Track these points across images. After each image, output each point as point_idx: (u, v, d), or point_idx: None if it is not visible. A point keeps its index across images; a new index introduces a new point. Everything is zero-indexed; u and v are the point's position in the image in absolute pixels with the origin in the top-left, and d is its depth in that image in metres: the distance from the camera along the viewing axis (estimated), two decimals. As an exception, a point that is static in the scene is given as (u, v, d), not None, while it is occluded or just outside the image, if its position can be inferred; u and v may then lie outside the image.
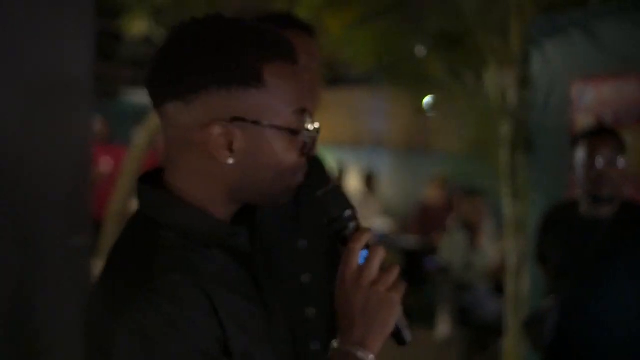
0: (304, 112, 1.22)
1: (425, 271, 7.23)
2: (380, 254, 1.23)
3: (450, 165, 6.84)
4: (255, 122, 1.17)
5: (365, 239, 1.23)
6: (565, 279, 3.05)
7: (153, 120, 7.34)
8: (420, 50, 4.68)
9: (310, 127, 1.23)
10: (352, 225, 1.26)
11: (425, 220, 7.89)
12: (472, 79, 4.47)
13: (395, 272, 1.23)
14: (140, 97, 11.04)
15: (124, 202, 6.88)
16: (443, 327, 6.13)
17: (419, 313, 7.83)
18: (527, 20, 3.97)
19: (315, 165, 2.42)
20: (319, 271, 2.25)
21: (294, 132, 1.19)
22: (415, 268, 7.72)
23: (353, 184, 9.36)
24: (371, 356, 1.22)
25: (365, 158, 9.63)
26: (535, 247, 3.40)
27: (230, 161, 1.18)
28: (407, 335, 1.28)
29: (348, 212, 1.26)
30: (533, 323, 3.14)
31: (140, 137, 7.45)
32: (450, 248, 6.04)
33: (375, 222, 8.04)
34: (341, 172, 9.23)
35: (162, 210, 1.21)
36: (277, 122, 1.19)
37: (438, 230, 7.57)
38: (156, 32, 7.33)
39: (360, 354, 1.21)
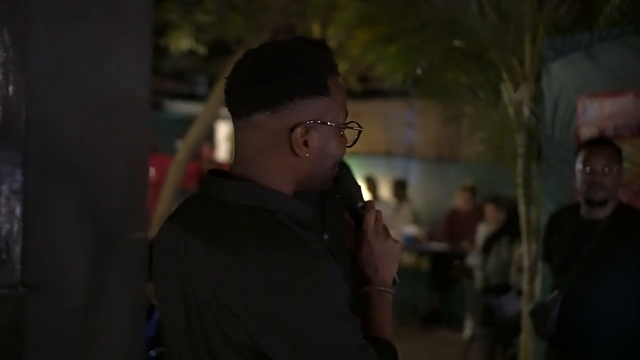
0: (347, 115, 1.57)
1: (453, 275, 7.55)
2: (382, 217, 1.67)
3: (478, 175, 7.17)
4: (325, 123, 1.50)
5: (374, 207, 1.65)
6: (566, 276, 3.38)
7: (194, 132, 7.75)
8: (420, 68, 5.04)
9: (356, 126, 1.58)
10: (360, 200, 1.67)
11: (454, 228, 8.21)
12: (491, 93, 4.82)
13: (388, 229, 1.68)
14: (182, 108, 11.46)
15: (169, 207, 7.24)
16: (469, 327, 6.44)
17: (447, 315, 8.17)
18: (539, 42, 4.33)
19: (344, 168, 2.84)
20: (338, 259, 2.65)
21: (346, 128, 1.55)
22: (444, 273, 8.05)
23: (385, 192, 9.66)
24: (393, 291, 1.64)
25: (397, 168, 9.93)
26: (542, 247, 3.75)
27: (307, 155, 1.49)
28: (396, 278, 1.67)
29: (357, 189, 1.67)
30: (538, 314, 3.48)
31: (184, 147, 7.86)
32: (497, 262, 6.35)
33: (406, 229, 8.36)
34: (374, 181, 9.53)
35: (271, 200, 1.49)
36: (339, 122, 1.53)
37: (466, 237, 7.90)
38: (198, 47, 7.78)
39: (390, 290, 1.63)
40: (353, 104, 7.48)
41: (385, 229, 1.66)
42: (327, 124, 1.50)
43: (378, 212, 1.66)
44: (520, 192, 4.57)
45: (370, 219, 1.65)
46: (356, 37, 6.04)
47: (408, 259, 8.48)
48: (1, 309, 2.98)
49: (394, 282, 1.67)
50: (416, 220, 8.82)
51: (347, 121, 1.56)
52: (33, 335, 3.09)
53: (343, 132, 1.56)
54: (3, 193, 2.98)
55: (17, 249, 3.01)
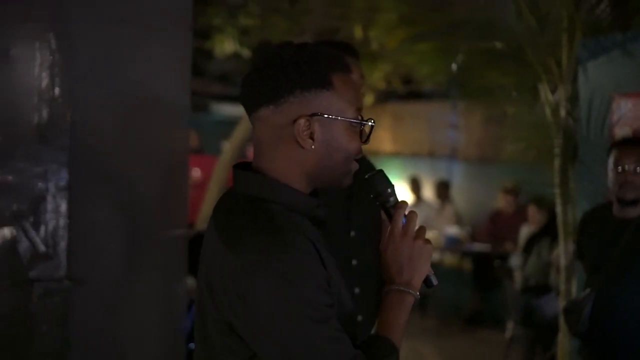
0: (360, 111, 1.61)
1: (495, 276, 7.55)
2: (415, 218, 1.64)
3: (520, 175, 7.17)
4: (328, 116, 1.56)
5: (405, 207, 1.65)
6: (598, 274, 3.41)
7: (239, 133, 7.87)
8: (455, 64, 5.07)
9: (368, 122, 1.62)
10: (392, 198, 1.67)
11: (497, 229, 8.21)
12: (529, 94, 4.86)
13: (425, 230, 1.65)
14: (228, 110, 11.61)
15: (213, 207, 7.36)
16: (511, 327, 6.45)
17: (490, 315, 8.17)
18: (576, 43, 4.36)
19: (362, 163, 2.91)
20: (365, 256, 2.72)
21: (358, 123, 1.59)
22: (485, 273, 8.06)
23: (428, 193, 9.69)
24: (417, 294, 1.62)
25: (441, 169, 9.95)
26: (575, 246, 3.78)
27: (312, 147, 1.56)
28: (434, 280, 1.65)
29: (389, 189, 1.67)
30: (570, 312, 3.51)
31: (228, 147, 7.98)
32: (538, 262, 6.37)
33: (448, 229, 8.39)
34: (418, 182, 9.57)
35: (269, 190, 1.57)
36: (345, 116, 1.58)
37: (509, 238, 7.90)
38: (243, 50, 7.90)
39: (411, 291, 1.61)
40: (396, 105, 7.67)
41: (421, 229, 1.65)
42: (330, 117, 1.56)
43: (411, 212, 1.66)
44: (557, 192, 4.60)
45: (397, 218, 1.64)
46: (394, 34, 6.10)
47: (451, 259, 8.52)
48: (48, 301, 3.12)
49: (431, 285, 1.66)
50: (459, 221, 8.84)
51: (361, 116, 1.61)
52: (78, 325, 3.23)
53: (362, 127, 1.61)
54: (50, 191, 3.12)
55: (62, 245, 3.15)
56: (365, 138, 1.63)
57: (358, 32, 7.61)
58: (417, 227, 1.65)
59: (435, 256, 7.98)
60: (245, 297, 1.45)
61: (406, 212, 1.65)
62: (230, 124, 9.00)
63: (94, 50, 3.26)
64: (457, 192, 9.57)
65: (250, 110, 1.61)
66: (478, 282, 8.24)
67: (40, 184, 3.11)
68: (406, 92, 9.62)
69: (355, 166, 1.64)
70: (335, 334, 1.47)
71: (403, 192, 10.07)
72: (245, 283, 1.45)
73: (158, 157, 3.44)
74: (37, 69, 3.09)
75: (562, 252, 4.60)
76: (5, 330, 3.07)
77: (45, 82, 3.11)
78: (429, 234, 8.28)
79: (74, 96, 3.17)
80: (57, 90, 3.12)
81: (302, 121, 1.55)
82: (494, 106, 5.46)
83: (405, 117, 10.62)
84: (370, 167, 2.95)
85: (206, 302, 1.56)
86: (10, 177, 3.05)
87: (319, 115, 1.56)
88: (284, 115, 1.56)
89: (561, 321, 4.63)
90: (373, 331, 1.64)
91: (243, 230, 1.51)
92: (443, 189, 9.11)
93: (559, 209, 4.62)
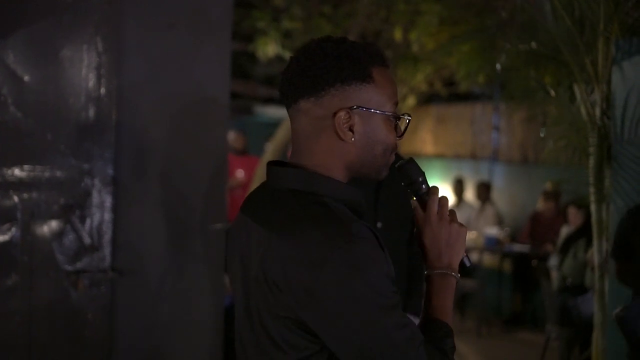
0: (397, 105, 1.61)
1: (534, 276, 7.57)
2: (447, 202, 1.67)
3: (560, 177, 7.19)
4: (368, 109, 1.57)
5: (438, 192, 1.67)
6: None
7: (280, 134, 7.99)
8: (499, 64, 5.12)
9: (405, 116, 1.62)
10: (424, 185, 1.70)
11: (537, 230, 8.23)
12: (565, 94, 4.90)
13: (456, 214, 1.68)
14: (272, 112, 11.76)
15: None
16: (550, 327, 6.47)
17: (530, 316, 8.19)
18: (612, 44, 4.41)
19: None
20: (390, 247, 2.81)
21: (396, 117, 1.60)
22: (525, 274, 8.09)
23: (470, 195, 9.73)
24: (457, 275, 1.65)
25: (483, 170, 9.98)
26: (616, 244, 3.80)
27: (352, 139, 1.57)
28: (467, 261, 1.69)
29: (421, 176, 1.70)
30: (626, 319, 3.46)
31: (270, 148, 8.11)
32: (574, 262, 6.40)
33: (488, 230, 8.42)
34: (462, 183, 9.60)
35: (313, 183, 1.57)
36: (384, 110, 1.58)
37: (549, 239, 7.92)
38: (286, 53, 8.03)
39: (453, 274, 1.64)
40: (439, 107, 7.75)
41: (452, 213, 1.67)
42: (370, 110, 1.57)
43: (443, 197, 1.67)
44: (591, 190, 4.64)
45: (432, 204, 1.66)
46: (434, 37, 6.18)
47: (491, 260, 8.55)
48: (95, 291, 3.28)
49: (464, 266, 1.69)
50: (500, 222, 8.86)
51: (401, 113, 1.64)
52: (123, 315, 3.38)
53: (397, 121, 1.63)
54: (96, 186, 3.28)
55: (108, 237, 3.31)
56: (400, 132, 1.65)
57: (399, 35, 7.69)
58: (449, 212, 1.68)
59: (475, 257, 8.03)
60: (314, 290, 1.45)
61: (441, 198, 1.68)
62: (274, 125, 9.14)
63: (140, 53, 3.42)
64: (498, 194, 9.59)
65: (290, 103, 1.62)
66: (518, 283, 8.26)
67: (87, 180, 3.27)
68: (449, 94, 9.67)
69: (392, 159, 1.66)
70: (403, 320, 1.48)
71: (447, 193, 10.13)
72: (314, 276, 1.45)
73: (200, 154, 3.58)
74: (85, 71, 3.26)
75: (596, 250, 4.64)
76: (53, 318, 3.24)
77: (92, 83, 3.27)
78: (470, 235, 8.31)
79: (121, 96, 3.33)
80: (104, 91, 3.28)
81: (342, 114, 1.56)
82: (533, 107, 5.49)
83: (447, 119, 10.67)
84: (399, 158, 3.05)
85: (259, 296, 1.56)
86: (58, 173, 3.22)
87: (359, 108, 1.57)
88: (324, 108, 1.57)
89: (596, 320, 4.66)
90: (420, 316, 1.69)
91: (300, 224, 1.51)
92: (484, 190, 9.13)
93: (593, 207, 4.66)
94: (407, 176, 1.70)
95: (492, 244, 8.22)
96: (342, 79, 1.56)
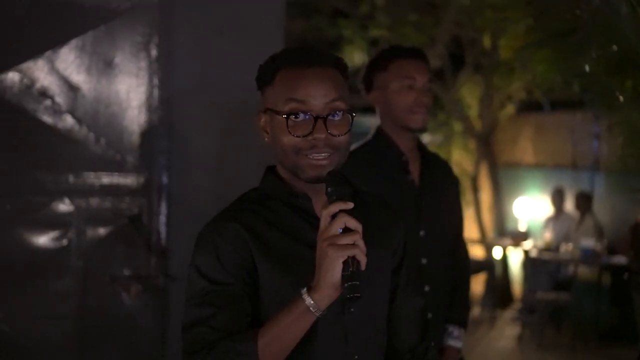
0: (296, 101, 1.61)
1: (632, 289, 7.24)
2: (340, 220, 1.50)
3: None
4: (267, 110, 1.69)
5: (333, 210, 1.51)
6: None
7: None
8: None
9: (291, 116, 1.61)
10: (334, 197, 1.54)
11: (637, 241, 7.87)
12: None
13: (350, 235, 1.48)
14: (361, 121, 11.72)
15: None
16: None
17: (628, 330, 7.84)
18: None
19: (441, 166, 2.92)
20: (434, 255, 2.73)
21: (286, 115, 1.61)
22: (624, 287, 7.74)
23: (570, 205, 9.42)
24: (308, 299, 1.49)
25: (583, 180, 9.65)
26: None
27: (267, 139, 1.72)
28: (347, 290, 1.48)
29: (329, 188, 1.56)
30: None
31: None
32: None
33: (584, 242, 8.13)
34: (562, 194, 9.31)
35: (262, 179, 1.80)
36: (277, 109, 1.65)
37: (650, 251, 7.56)
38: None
39: (305, 297, 1.50)
40: (539, 116, 7.52)
41: (349, 233, 1.50)
42: (269, 110, 1.69)
43: (339, 213, 1.52)
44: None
45: (322, 223, 1.54)
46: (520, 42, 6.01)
47: (588, 273, 8.23)
48: (147, 296, 3.32)
49: (351, 297, 1.49)
50: (599, 233, 8.53)
51: (293, 108, 1.64)
52: (175, 321, 3.39)
53: (293, 120, 1.63)
54: (149, 193, 3.32)
55: (160, 244, 3.34)
56: (299, 132, 1.62)
57: (487, 42, 7.53)
58: (351, 227, 1.52)
59: (570, 269, 7.76)
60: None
61: (337, 215, 1.53)
62: (363, 134, 9.10)
63: (192, 60, 3.44)
64: (599, 204, 9.24)
65: None
66: (616, 296, 7.92)
67: (140, 186, 3.31)
68: (549, 102, 9.40)
69: (304, 161, 1.63)
70: (199, 306, 1.62)
71: (544, 204, 9.84)
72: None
73: (252, 162, 3.57)
74: (138, 78, 3.31)
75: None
76: (105, 323, 3.29)
77: (145, 90, 3.32)
78: (567, 247, 8.02)
79: (173, 103, 3.37)
80: (156, 98, 3.32)
81: (261, 116, 1.73)
82: (618, 114, 5.26)
83: (547, 127, 10.37)
84: (448, 171, 2.96)
85: None
86: (112, 180, 3.28)
87: (266, 110, 1.71)
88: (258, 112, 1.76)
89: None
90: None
91: None
92: (584, 200, 8.82)
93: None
94: (325, 188, 1.59)
95: (588, 256, 7.92)
96: (259, 85, 1.72)
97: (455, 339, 2.79)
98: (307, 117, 1.62)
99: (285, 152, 1.65)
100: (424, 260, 2.68)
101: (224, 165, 3.52)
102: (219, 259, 1.62)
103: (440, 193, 2.79)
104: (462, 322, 2.82)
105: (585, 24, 4.83)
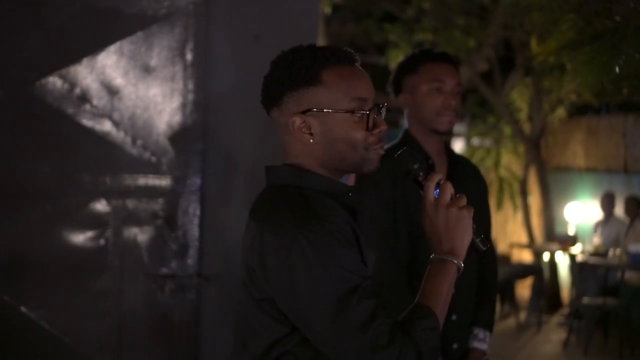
0: (361, 100, 1.66)
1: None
2: (449, 187, 1.66)
3: None
4: (321, 110, 1.65)
5: (436, 178, 1.67)
6: None
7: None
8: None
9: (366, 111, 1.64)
10: (422, 173, 1.70)
11: (687, 247, 7.74)
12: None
13: (463, 199, 1.66)
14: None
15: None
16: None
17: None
18: None
19: (470, 170, 2.93)
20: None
21: (362, 112, 1.65)
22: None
23: (620, 210, 9.29)
24: (459, 260, 1.64)
25: (635, 185, 9.50)
26: None
27: (312, 141, 1.66)
28: (481, 244, 1.69)
29: (417, 164, 1.70)
30: None
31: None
32: None
33: (632, 247, 8.00)
34: (613, 198, 9.17)
35: (296, 178, 1.68)
36: (338, 108, 1.65)
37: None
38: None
39: (452, 259, 1.63)
40: (590, 119, 7.50)
41: (458, 198, 1.65)
42: (323, 110, 1.65)
43: (445, 183, 1.67)
44: None
45: (427, 191, 1.67)
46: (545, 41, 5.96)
47: (638, 279, 8.10)
48: (181, 296, 3.39)
49: (479, 250, 1.69)
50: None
51: (364, 105, 1.66)
52: (209, 320, 3.47)
53: (368, 115, 1.66)
54: (183, 193, 3.40)
55: (195, 244, 3.42)
56: (371, 127, 1.67)
57: (534, 46, 7.47)
58: (457, 196, 1.67)
59: (619, 274, 7.66)
60: (279, 272, 1.56)
61: (441, 183, 1.68)
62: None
63: (228, 64, 3.51)
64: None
65: (268, 115, 1.76)
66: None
67: (176, 188, 3.39)
68: (600, 105, 9.26)
69: (374, 154, 1.69)
70: (364, 304, 1.51)
71: (594, 208, 9.71)
72: (283, 257, 1.55)
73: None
74: (174, 82, 3.38)
75: None
76: (141, 321, 3.38)
77: (181, 94, 3.39)
78: (616, 252, 7.92)
79: (208, 107, 3.44)
80: (192, 101, 3.40)
81: (295, 119, 1.67)
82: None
83: (598, 131, 10.22)
84: (475, 171, 2.97)
85: (247, 289, 1.66)
86: (148, 181, 3.36)
87: (311, 110, 1.66)
88: (285, 115, 1.69)
89: None
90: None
91: (276, 210, 1.63)
92: (634, 205, 8.68)
93: None
94: (404, 166, 1.72)
95: (637, 262, 7.79)
96: (292, 86, 1.66)
97: (480, 341, 2.80)
98: (367, 113, 1.67)
99: (355, 148, 1.67)
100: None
101: (258, 168, 3.55)
102: (360, 253, 1.61)
103: (467, 197, 2.79)
104: (488, 324, 2.82)
105: (621, 25, 4.79)
